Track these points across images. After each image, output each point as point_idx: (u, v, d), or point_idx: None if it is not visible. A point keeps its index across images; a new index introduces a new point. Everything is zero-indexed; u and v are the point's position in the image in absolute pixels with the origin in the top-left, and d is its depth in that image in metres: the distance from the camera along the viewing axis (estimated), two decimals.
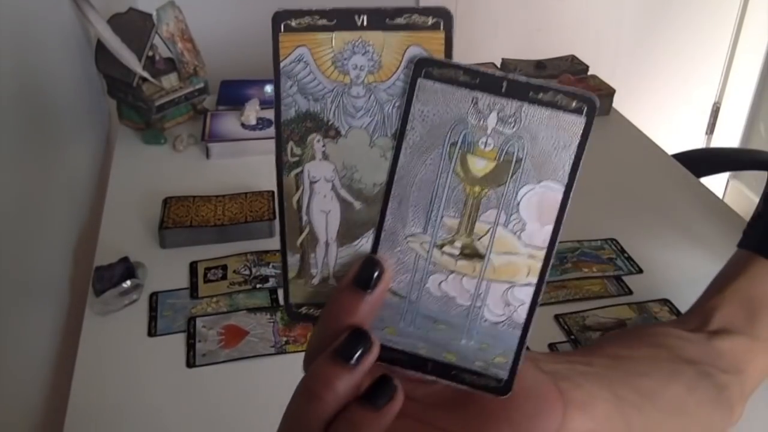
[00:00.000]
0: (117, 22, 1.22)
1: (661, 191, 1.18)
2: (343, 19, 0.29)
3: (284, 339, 0.82)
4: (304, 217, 0.31)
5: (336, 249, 0.32)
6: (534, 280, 0.31)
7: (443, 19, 0.29)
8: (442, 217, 0.30)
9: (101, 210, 1.07)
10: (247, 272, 0.93)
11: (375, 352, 0.30)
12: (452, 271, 0.31)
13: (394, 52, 0.29)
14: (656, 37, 2.25)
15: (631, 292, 0.92)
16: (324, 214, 0.31)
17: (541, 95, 0.29)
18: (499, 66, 1.52)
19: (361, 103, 0.30)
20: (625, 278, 0.94)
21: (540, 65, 1.50)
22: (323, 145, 0.30)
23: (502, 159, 0.29)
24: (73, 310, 0.93)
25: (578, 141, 0.29)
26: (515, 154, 0.29)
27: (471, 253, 0.30)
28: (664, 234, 1.04)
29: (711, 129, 2.48)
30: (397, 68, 0.29)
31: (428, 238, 0.31)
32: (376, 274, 0.30)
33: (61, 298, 0.92)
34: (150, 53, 1.24)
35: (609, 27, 2.19)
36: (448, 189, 0.30)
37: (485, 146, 0.29)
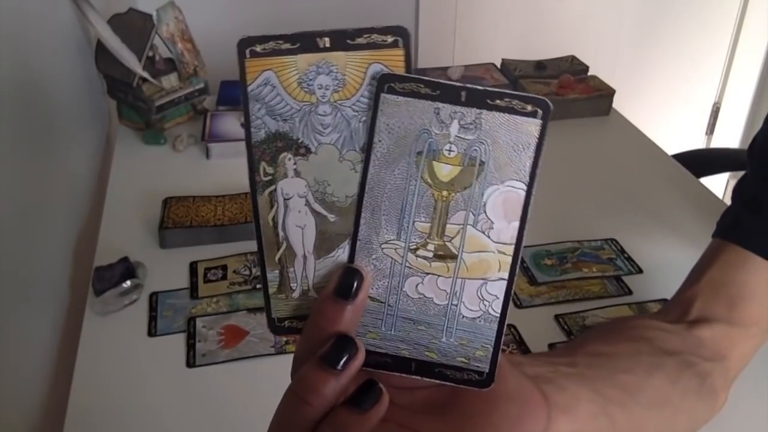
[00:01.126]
0: (117, 22, 1.22)
1: (661, 191, 1.18)
2: (306, 43, 0.30)
3: (284, 339, 0.82)
4: (281, 233, 0.32)
5: (314, 262, 0.33)
6: (505, 275, 0.32)
7: (402, 37, 0.30)
8: (413, 222, 0.32)
9: (101, 210, 1.07)
10: (247, 272, 0.93)
11: (361, 357, 0.31)
12: (428, 273, 0.32)
13: (357, 71, 0.31)
14: (656, 37, 2.25)
15: (630, 293, 0.92)
16: (300, 228, 0.32)
17: (497, 101, 0.30)
18: (499, 66, 1.52)
19: (329, 120, 0.31)
20: (624, 278, 0.94)
21: (540, 65, 1.50)
22: (294, 163, 0.32)
23: (466, 163, 0.31)
24: (73, 310, 0.93)
25: (536, 142, 0.31)
26: (478, 158, 0.31)
27: (444, 254, 0.32)
28: (664, 234, 1.04)
29: (711, 129, 2.48)
30: (361, 85, 0.31)
31: (402, 244, 0.32)
32: (356, 282, 0.31)
33: (61, 298, 0.92)
34: (150, 53, 1.24)
35: (609, 27, 2.19)
36: (418, 195, 0.31)
37: (449, 153, 0.31)
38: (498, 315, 0.33)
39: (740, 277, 0.52)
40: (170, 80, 1.28)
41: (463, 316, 0.33)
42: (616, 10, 2.18)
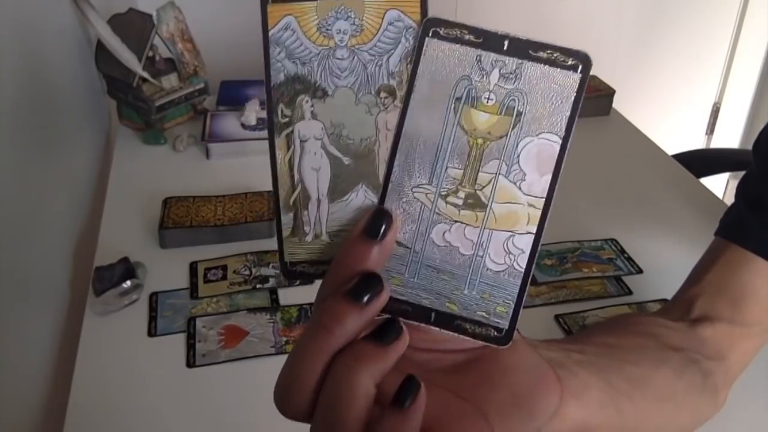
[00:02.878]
0: (117, 22, 1.22)
1: (661, 191, 1.18)
2: None
3: (284, 339, 0.82)
4: (296, 176, 0.33)
5: (327, 205, 0.33)
6: (533, 228, 0.32)
7: None
8: (446, 168, 0.32)
9: (101, 210, 1.07)
10: (247, 272, 0.93)
11: (385, 295, 0.31)
12: (456, 221, 0.32)
13: (374, 16, 0.31)
14: (656, 37, 2.25)
15: (630, 293, 0.92)
16: (315, 171, 0.33)
17: (540, 53, 0.30)
18: None
19: (346, 64, 0.32)
20: (625, 278, 0.94)
21: None
22: (312, 105, 0.32)
23: (503, 113, 0.31)
24: (73, 310, 0.92)
25: (574, 96, 0.31)
26: (516, 108, 0.31)
27: (474, 203, 0.32)
28: (664, 234, 1.04)
29: (711, 129, 2.48)
30: (378, 30, 0.31)
31: (433, 189, 0.32)
32: (385, 223, 0.31)
33: (61, 298, 0.92)
34: (150, 53, 1.24)
35: (609, 27, 2.19)
36: (453, 141, 0.31)
37: (488, 101, 0.31)
38: (523, 270, 0.32)
39: (742, 277, 0.52)
40: (170, 80, 1.28)
41: (488, 269, 0.32)
42: (616, 10, 2.18)
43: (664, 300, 0.89)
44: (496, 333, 0.33)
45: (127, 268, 0.89)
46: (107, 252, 0.95)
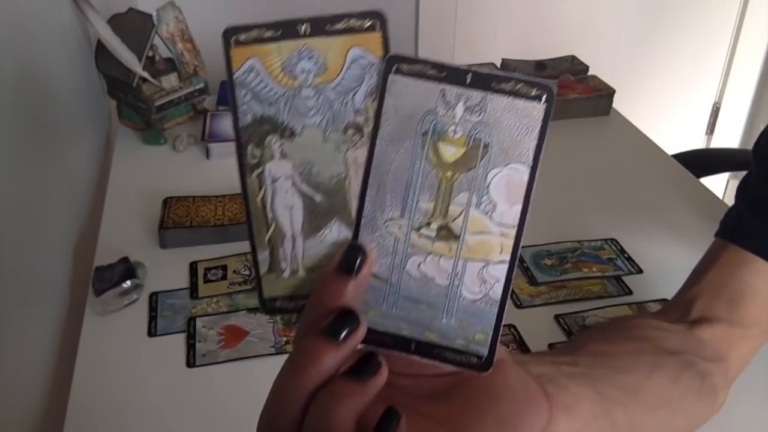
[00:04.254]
0: (117, 22, 1.22)
1: (661, 191, 1.18)
2: (287, 30, 0.31)
3: (284, 339, 0.82)
4: (269, 214, 0.33)
5: (302, 241, 0.33)
6: (507, 257, 0.32)
7: (378, 20, 0.31)
8: (417, 201, 0.32)
9: (101, 210, 1.07)
10: (247, 272, 0.93)
11: (362, 331, 0.31)
12: (430, 253, 0.33)
13: (337, 55, 0.32)
14: (656, 37, 2.25)
15: (631, 292, 0.92)
16: (288, 209, 0.33)
17: (503, 85, 0.31)
18: (499, 66, 1.52)
19: (312, 103, 0.32)
20: (625, 278, 0.94)
21: (540, 65, 1.50)
22: (280, 145, 0.33)
23: (470, 145, 0.32)
24: (73, 310, 0.93)
25: (540, 125, 0.31)
26: (482, 140, 0.32)
27: (447, 235, 0.32)
28: (664, 234, 1.04)
29: (711, 129, 2.48)
30: (342, 69, 0.32)
31: (406, 222, 0.32)
32: (359, 258, 0.32)
33: (61, 298, 0.92)
34: (150, 53, 1.24)
35: (609, 27, 2.19)
36: (422, 175, 0.32)
37: (454, 134, 0.32)
38: (499, 299, 0.33)
39: (741, 277, 0.52)
40: (170, 80, 1.28)
41: (464, 298, 0.33)
42: (616, 10, 2.18)
43: (664, 300, 0.89)
44: (476, 360, 0.33)
45: (127, 268, 0.89)
46: (107, 252, 0.95)
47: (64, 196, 1.02)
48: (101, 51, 1.22)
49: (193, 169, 1.20)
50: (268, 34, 0.31)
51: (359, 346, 0.32)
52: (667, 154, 1.30)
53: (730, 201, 0.59)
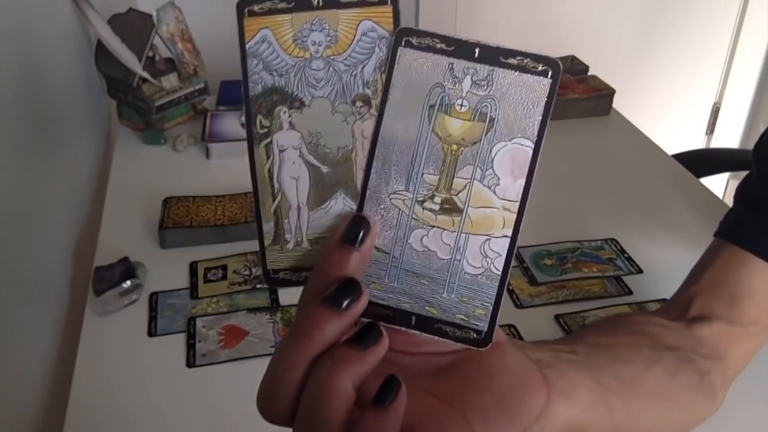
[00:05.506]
0: (117, 22, 1.22)
1: (661, 191, 1.18)
2: (300, 2, 0.32)
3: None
4: (276, 185, 0.34)
5: (307, 213, 0.34)
6: (509, 232, 0.33)
7: None
8: (422, 174, 0.32)
9: (101, 210, 1.07)
10: (247, 272, 0.93)
11: (364, 300, 0.31)
12: (433, 226, 0.33)
13: (348, 27, 0.32)
14: (656, 37, 2.25)
15: (631, 292, 0.92)
16: (294, 180, 0.33)
17: (510, 60, 0.31)
18: None
19: (322, 74, 0.32)
20: (625, 278, 0.94)
21: None
22: (289, 116, 0.33)
23: (476, 119, 0.32)
24: (73, 310, 0.93)
25: (545, 101, 0.31)
26: (488, 114, 0.32)
27: (450, 208, 0.33)
28: (664, 234, 1.04)
29: (711, 129, 2.48)
30: (352, 41, 0.32)
31: (410, 195, 0.33)
32: (363, 230, 0.32)
33: (61, 298, 0.92)
34: (150, 53, 1.24)
35: (609, 27, 2.19)
36: (428, 148, 0.32)
37: (461, 107, 0.32)
38: (500, 273, 0.33)
39: (740, 277, 0.52)
40: (170, 80, 1.28)
41: (465, 272, 0.33)
42: (616, 10, 2.18)
43: (664, 300, 0.89)
44: (475, 335, 0.33)
45: (127, 268, 0.89)
46: (107, 252, 0.95)
47: (64, 196, 1.02)
48: (101, 51, 1.22)
49: (193, 169, 1.20)
50: (282, 5, 0.32)
51: (361, 320, 0.32)
52: (667, 154, 1.30)
53: (730, 201, 0.59)
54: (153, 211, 1.04)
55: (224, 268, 0.94)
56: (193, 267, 0.94)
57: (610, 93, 1.41)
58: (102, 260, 0.92)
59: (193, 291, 0.90)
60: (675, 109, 2.38)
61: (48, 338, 0.84)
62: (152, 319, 0.86)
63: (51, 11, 1.13)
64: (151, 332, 0.84)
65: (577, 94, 1.39)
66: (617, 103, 1.43)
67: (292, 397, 0.30)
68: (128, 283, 0.88)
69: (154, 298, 0.89)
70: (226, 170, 1.18)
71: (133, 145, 1.27)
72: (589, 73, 1.48)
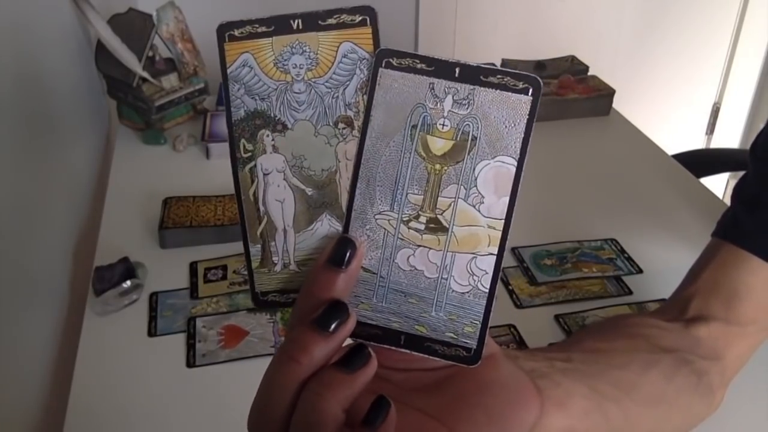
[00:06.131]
0: (117, 22, 1.22)
1: (661, 191, 1.18)
2: (280, 25, 0.32)
3: (284, 339, 0.82)
4: (261, 208, 0.34)
5: (294, 235, 0.34)
6: (495, 250, 0.33)
7: (369, 15, 0.32)
8: (406, 194, 0.33)
9: (101, 210, 1.07)
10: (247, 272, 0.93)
11: (351, 322, 0.31)
12: (419, 245, 0.33)
13: (329, 50, 0.32)
14: (656, 37, 2.25)
15: (631, 293, 0.92)
16: (279, 203, 0.34)
17: (490, 78, 0.31)
18: (499, 66, 1.52)
19: (303, 97, 0.33)
20: (625, 278, 0.94)
21: (540, 65, 1.50)
22: (272, 139, 0.33)
23: (459, 138, 0.32)
24: (73, 310, 0.93)
25: (527, 118, 0.31)
26: (470, 132, 0.32)
27: (435, 227, 0.33)
28: (664, 234, 1.04)
29: (711, 129, 2.48)
30: (333, 63, 0.32)
31: (395, 215, 0.33)
32: (349, 251, 0.32)
33: (61, 298, 0.92)
34: (150, 53, 1.24)
35: (609, 27, 2.19)
36: (411, 168, 0.32)
37: (443, 127, 0.32)
38: (487, 291, 0.33)
39: (738, 276, 0.52)
40: (170, 80, 1.28)
41: (453, 291, 0.33)
42: (616, 10, 2.18)
43: (664, 300, 0.88)
44: (465, 353, 0.33)
45: (127, 268, 0.89)
46: (107, 252, 0.95)
47: (64, 196, 1.02)
48: (101, 51, 1.22)
49: (193, 169, 1.20)
50: (262, 29, 0.32)
51: (349, 340, 0.32)
52: (667, 154, 1.30)
53: (729, 201, 0.59)
54: (153, 211, 1.04)
55: (224, 268, 0.94)
56: (193, 267, 0.94)
57: (610, 93, 1.41)
58: (102, 260, 0.92)
59: (193, 291, 0.90)
60: (675, 109, 2.38)
61: (48, 338, 0.84)
62: (152, 319, 0.86)
63: (51, 11, 1.13)
64: (151, 332, 0.84)
65: (577, 94, 1.39)
66: (617, 103, 1.43)
67: (283, 421, 0.30)
68: (128, 283, 0.88)
69: (154, 298, 0.89)
70: (226, 170, 1.16)
71: (133, 145, 1.27)
72: (589, 73, 1.48)
